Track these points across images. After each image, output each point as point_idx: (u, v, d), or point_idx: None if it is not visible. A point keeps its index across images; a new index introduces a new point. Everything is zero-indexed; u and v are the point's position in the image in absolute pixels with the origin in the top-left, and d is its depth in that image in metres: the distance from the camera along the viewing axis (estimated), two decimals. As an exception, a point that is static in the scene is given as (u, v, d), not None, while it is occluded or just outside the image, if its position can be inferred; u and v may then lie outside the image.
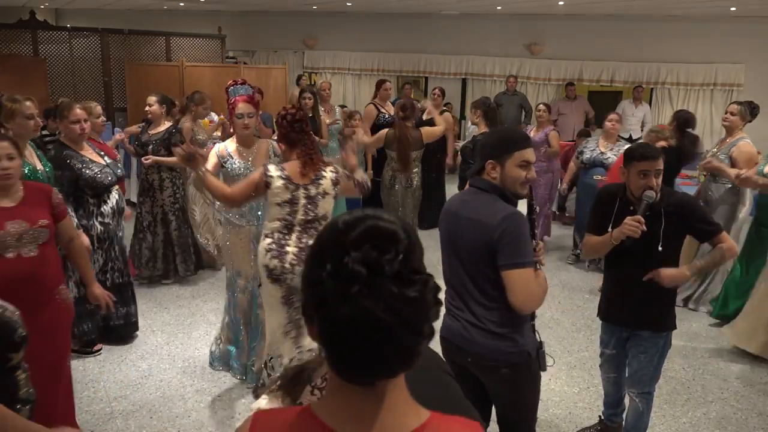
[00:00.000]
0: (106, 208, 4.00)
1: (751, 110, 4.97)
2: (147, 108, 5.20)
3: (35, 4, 10.96)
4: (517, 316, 2.25)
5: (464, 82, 11.59)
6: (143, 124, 5.63)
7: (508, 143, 2.28)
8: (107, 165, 4.01)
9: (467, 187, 2.48)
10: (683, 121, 5.38)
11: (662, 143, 5.26)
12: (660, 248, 2.69)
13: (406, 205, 5.84)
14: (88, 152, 3.98)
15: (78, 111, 3.86)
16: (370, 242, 0.87)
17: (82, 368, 3.96)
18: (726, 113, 5.04)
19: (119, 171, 4.15)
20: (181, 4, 10.99)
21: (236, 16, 11.90)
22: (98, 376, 3.91)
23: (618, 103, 10.13)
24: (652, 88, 10.53)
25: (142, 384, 3.85)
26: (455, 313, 2.39)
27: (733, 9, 8.69)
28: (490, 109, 5.61)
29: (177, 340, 4.45)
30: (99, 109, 4.73)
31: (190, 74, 9.25)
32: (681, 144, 5.21)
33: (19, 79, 8.55)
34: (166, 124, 5.25)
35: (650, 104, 10.39)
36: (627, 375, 3.05)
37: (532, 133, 6.66)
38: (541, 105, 6.64)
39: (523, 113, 9.67)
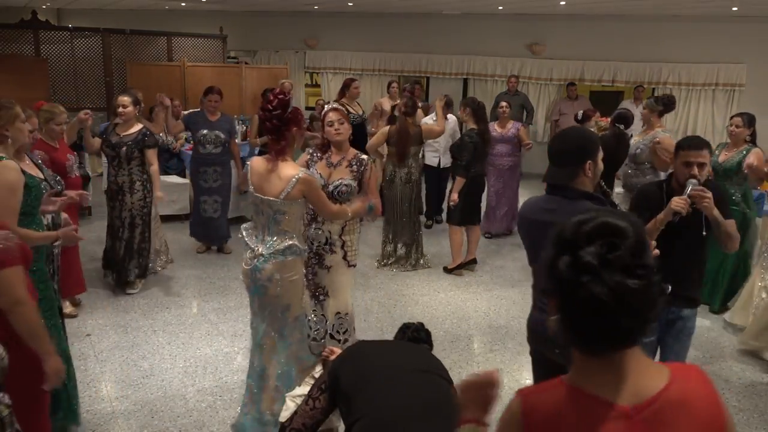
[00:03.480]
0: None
1: (663, 102, 5.61)
2: (121, 110, 4.97)
3: (37, 4, 10.98)
4: None
5: (465, 82, 11.58)
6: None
7: (596, 141, 2.46)
8: (45, 179, 3.64)
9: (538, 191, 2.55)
10: (616, 116, 5.72)
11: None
12: (704, 233, 2.95)
13: (404, 199, 5.99)
14: (26, 164, 3.59)
15: (34, 119, 3.68)
16: (602, 238, 1.03)
17: (83, 368, 3.96)
18: (642, 110, 5.74)
19: (59, 187, 3.76)
20: (183, 4, 11.00)
21: (237, 16, 11.90)
22: (99, 376, 3.91)
23: (619, 103, 10.12)
24: (653, 88, 10.51)
25: (144, 384, 3.85)
26: (544, 308, 2.41)
27: (735, 9, 8.68)
28: (479, 107, 5.88)
29: (178, 340, 4.45)
30: (64, 116, 4.43)
31: (191, 74, 9.25)
32: (604, 138, 5.54)
33: (21, 79, 8.56)
34: (138, 126, 5.08)
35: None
36: (667, 359, 3.20)
37: (497, 128, 6.97)
38: (503, 102, 7.07)
39: (525, 113, 9.68)
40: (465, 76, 11.45)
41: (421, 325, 2.50)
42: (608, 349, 1.07)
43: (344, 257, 3.80)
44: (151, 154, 5.10)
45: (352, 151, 3.81)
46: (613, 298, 1.00)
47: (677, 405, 1.09)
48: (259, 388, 3.29)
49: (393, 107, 7.40)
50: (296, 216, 3.18)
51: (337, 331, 3.88)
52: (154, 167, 5.13)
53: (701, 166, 2.94)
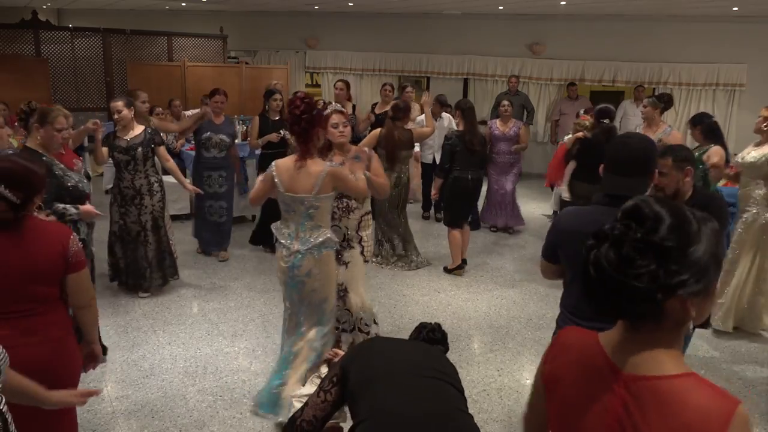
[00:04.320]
0: (84, 221, 3.83)
1: (663, 100, 5.90)
2: (116, 116, 4.91)
3: (37, 4, 10.98)
4: None
5: (466, 82, 11.58)
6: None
7: (655, 145, 2.36)
8: (78, 182, 3.76)
9: (591, 204, 2.38)
10: (598, 112, 5.75)
11: (579, 134, 5.76)
12: None
13: (392, 202, 6.02)
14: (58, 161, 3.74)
15: (62, 119, 3.68)
16: (628, 218, 1.10)
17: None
18: (642, 108, 5.83)
19: (87, 191, 3.86)
20: (183, 4, 11.00)
21: (238, 16, 11.91)
22: (100, 376, 3.91)
23: (620, 103, 10.13)
24: (654, 88, 10.50)
25: (144, 384, 3.86)
26: (579, 323, 2.26)
27: (735, 9, 8.68)
28: (468, 108, 5.95)
29: (179, 340, 4.46)
30: (70, 120, 4.41)
31: (191, 74, 9.27)
32: (594, 134, 5.60)
33: (21, 79, 8.59)
34: (140, 127, 5.02)
35: (652, 104, 10.38)
36: None
37: (500, 126, 7.15)
38: (505, 101, 7.25)
39: (525, 113, 9.68)
40: (465, 76, 11.44)
41: (438, 325, 2.46)
42: (593, 310, 1.16)
43: (362, 252, 3.95)
44: (163, 151, 5.07)
45: (353, 149, 3.94)
46: (594, 266, 1.10)
47: (661, 397, 1.09)
48: (285, 371, 3.45)
49: (373, 106, 7.47)
50: (327, 209, 3.40)
51: (366, 324, 4.06)
52: (171, 162, 5.14)
53: (660, 174, 2.85)
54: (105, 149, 5.00)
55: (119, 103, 4.94)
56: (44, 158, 3.61)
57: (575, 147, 5.72)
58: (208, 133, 5.94)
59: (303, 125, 3.26)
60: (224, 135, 5.99)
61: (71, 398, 2.09)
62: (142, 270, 5.11)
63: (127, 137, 4.94)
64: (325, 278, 3.40)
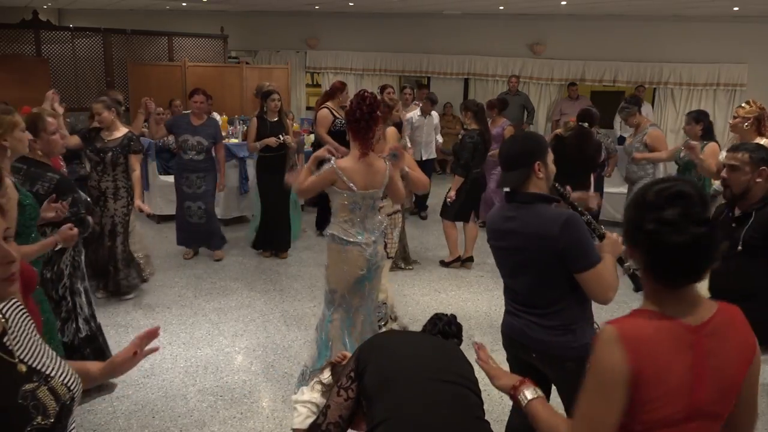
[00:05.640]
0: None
1: (632, 103, 6.22)
2: (97, 118, 4.83)
3: (38, 4, 10.99)
4: (579, 313, 2.41)
5: (466, 82, 11.59)
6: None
7: (543, 143, 2.51)
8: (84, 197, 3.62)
9: (501, 202, 2.55)
10: (580, 114, 5.77)
11: (557, 131, 5.79)
12: (739, 248, 2.80)
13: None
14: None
15: (51, 119, 3.47)
16: (680, 200, 1.40)
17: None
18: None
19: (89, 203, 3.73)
20: (184, 4, 11.01)
21: (238, 16, 11.92)
22: (100, 376, 3.91)
23: (620, 103, 10.12)
24: (654, 88, 10.51)
25: (145, 383, 3.86)
26: (517, 313, 2.51)
27: (736, 9, 8.68)
28: (479, 108, 6.00)
29: (179, 340, 4.46)
30: (60, 119, 4.06)
31: (192, 74, 9.27)
32: (568, 136, 5.50)
33: (22, 79, 8.58)
34: (123, 129, 4.87)
35: (653, 104, 10.38)
36: None
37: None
38: (493, 101, 7.41)
39: (525, 113, 9.68)
40: (466, 76, 11.45)
41: (454, 317, 2.42)
42: (687, 282, 1.45)
43: (384, 248, 4.01)
44: (135, 160, 4.86)
45: (387, 147, 4.02)
46: (690, 243, 1.38)
47: (726, 324, 1.49)
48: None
49: None
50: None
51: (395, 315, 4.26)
52: (137, 173, 4.90)
53: (731, 168, 2.81)
54: (74, 138, 4.87)
55: (98, 106, 4.83)
56: (59, 172, 3.48)
57: (551, 144, 5.76)
58: (185, 135, 5.86)
59: (369, 122, 3.34)
60: (202, 137, 5.84)
61: (128, 355, 1.79)
62: (106, 269, 5.00)
63: (106, 138, 4.83)
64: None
